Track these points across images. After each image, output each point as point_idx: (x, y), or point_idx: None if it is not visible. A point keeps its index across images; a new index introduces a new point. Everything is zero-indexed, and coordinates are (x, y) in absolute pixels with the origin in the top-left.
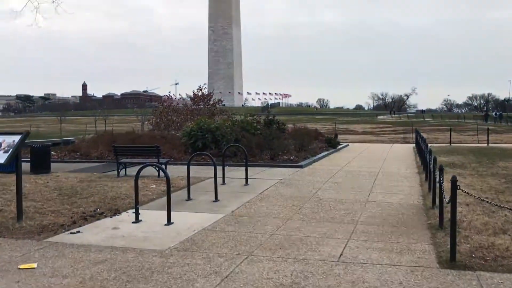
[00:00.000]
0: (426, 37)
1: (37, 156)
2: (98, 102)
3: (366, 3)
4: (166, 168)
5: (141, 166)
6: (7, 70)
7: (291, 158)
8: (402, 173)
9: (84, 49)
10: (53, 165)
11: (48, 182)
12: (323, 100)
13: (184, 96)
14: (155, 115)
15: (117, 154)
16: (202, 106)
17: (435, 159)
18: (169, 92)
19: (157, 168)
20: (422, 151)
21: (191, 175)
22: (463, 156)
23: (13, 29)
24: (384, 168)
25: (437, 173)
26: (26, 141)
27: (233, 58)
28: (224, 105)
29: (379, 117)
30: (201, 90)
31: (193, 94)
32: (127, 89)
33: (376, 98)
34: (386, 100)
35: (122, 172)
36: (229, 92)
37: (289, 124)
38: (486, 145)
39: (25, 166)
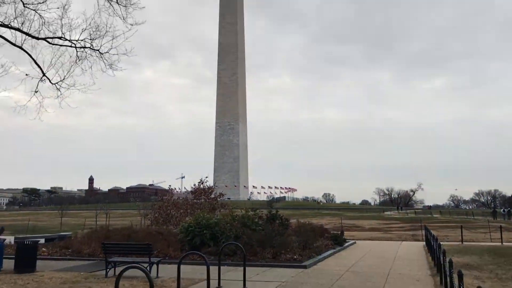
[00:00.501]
0: (428, 134)
1: (23, 253)
2: (103, 195)
3: (366, 103)
4: (158, 268)
5: (125, 267)
6: (15, 163)
7: (295, 257)
8: (414, 274)
9: (92, 143)
10: (41, 262)
11: (28, 283)
12: (329, 194)
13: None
14: (154, 210)
15: (107, 252)
16: (203, 200)
17: (450, 262)
18: (169, 185)
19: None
20: (433, 250)
21: (185, 276)
22: (478, 257)
23: (23, 122)
24: (395, 268)
25: (455, 278)
26: (17, 236)
27: (239, 152)
28: (229, 198)
29: (386, 212)
30: (202, 183)
31: (194, 187)
32: (133, 182)
33: (382, 194)
34: (392, 195)
35: (111, 271)
36: (235, 186)
37: (293, 219)
38: (500, 243)
39: (9, 263)
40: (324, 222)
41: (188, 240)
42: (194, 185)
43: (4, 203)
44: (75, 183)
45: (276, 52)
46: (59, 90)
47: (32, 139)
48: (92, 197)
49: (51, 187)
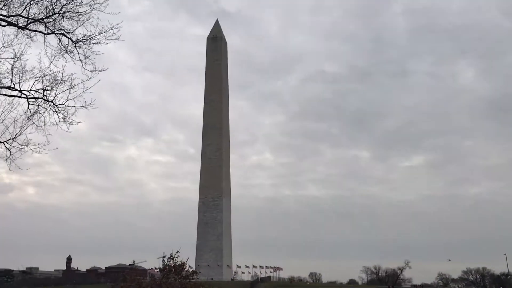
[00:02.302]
0: (411, 210)
1: None
2: (81, 276)
3: (348, 180)
4: None
5: None
6: None
7: None
8: None
9: (72, 221)
10: None
11: None
12: (316, 273)
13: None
14: None
15: None
16: (172, 279)
17: None
18: (131, 263)
19: None
20: None
21: None
22: None
23: (3, 200)
24: None
25: None
26: None
27: (222, 229)
28: (212, 278)
29: None
30: (172, 258)
31: (163, 265)
32: (114, 262)
33: (369, 272)
34: (380, 274)
35: None
36: (218, 265)
37: None
38: None
39: None
40: None
41: None
42: (163, 261)
43: None
44: (52, 263)
45: (257, 129)
46: (9, 150)
47: (11, 217)
48: (69, 278)
49: (26, 268)
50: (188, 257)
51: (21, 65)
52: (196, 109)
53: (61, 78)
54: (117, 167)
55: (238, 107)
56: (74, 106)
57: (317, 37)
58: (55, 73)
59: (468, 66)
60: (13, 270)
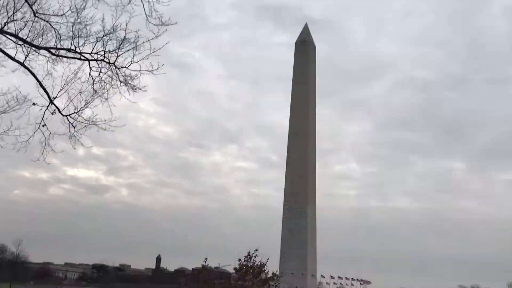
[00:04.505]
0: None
1: None
2: (170, 275)
3: (440, 193)
4: None
5: None
6: (89, 240)
7: None
8: None
9: (161, 222)
10: None
11: None
12: None
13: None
14: None
15: None
16: (250, 282)
17: None
18: (217, 266)
19: None
20: None
21: None
22: None
23: (100, 200)
24: None
25: None
26: None
27: (307, 237)
28: (296, 287)
29: None
30: (250, 257)
31: (239, 265)
32: (199, 264)
33: None
34: None
35: None
36: (302, 274)
37: None
38: None
39: None
40: None
41: None
42: (239, 260)
43: (74, 278)
44: (143, 262)
45: (343, 138)
46: (73, 126)
47: (107, 217)
48: (158, 276)
49: (120, 264)
50: (269, 257)
51: (80, 23)
52: (280, 117)
53: (125, 37)
54: (203, 172)
55: (323, 114)
56: (139, 70)
57: (407, 43)
58: (117, 30)
59: None
60: (107, 266)
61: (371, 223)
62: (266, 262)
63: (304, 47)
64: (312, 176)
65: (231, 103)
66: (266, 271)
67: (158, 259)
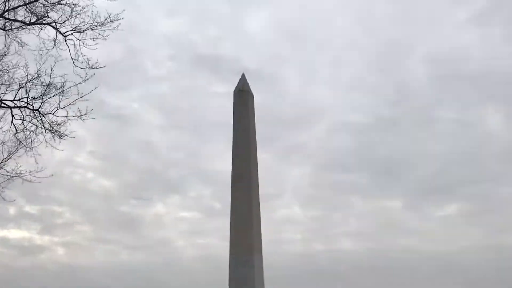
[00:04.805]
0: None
1: None
2: None
3: (380, 232)
4: None
5: None
6: None
7: None
8: None
9: (101, 281)
10: None
11: None
12: None
13: None
14: None
15: None
16: None
17: None
18: None
19: None
20: None
21: None
22: None
23: (33, 261)
24: None
25: None
26: None
27: (254, 287)
28: None
29: None
30: None
31: None
32: None
33: None
34: None
35: None
36: None
37: None
38: None
39: None
40: None
41: None
42: None
43: None
44: None
45: (284, 182)
46: None
47: (43, 278)
48: None
49: None
50: None
51: (2, 70)
52: (222, 164)
53: (50, 82)
54: (145, 225)
55: (264, 160)
56: (66, 116)
57: (339, 90)
58: (41, 75)
59: (495, 112)
60: None
61: (317, 267)
62: None
63: (242, 96)
64: (257, 223)
65: (173, 152)
66: None
67: None
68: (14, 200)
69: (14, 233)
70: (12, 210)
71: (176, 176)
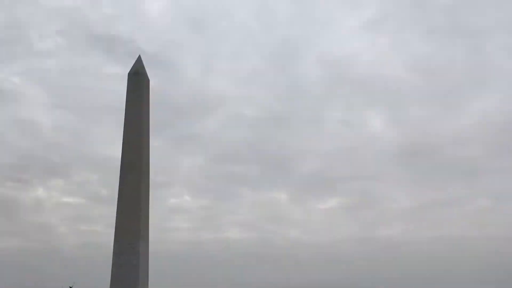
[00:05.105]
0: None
1: None
2: None
3: (268, 223)
4: None
5: None
6: None
7: None
8: None
9: None
10: None
11: None
12: None
13: None
14: None
15: None
16: None
17: None
18: None
19: None
20: None
21: None
22: None
23: None
24: None
25: None
26: None
27: (138, 274)
28: None
29: None
30: None
31: None
32: None
33: None
34: None
35: None
36: None
37: None
38: None
39: None
40: None
41: None
42: None
43: None
44: None
45: (176, 171)
46: None
47: None
48: None
49: None
50: None
51: None
52: (112, 150)
53: None
54: (22, 209)
55: (157, 147)
56: None
57: (236, 82)
58: None
59: (377, 115)
60: None
61: (205, 255)
62: None
63: (137, 79)
64: (145, 211)
65: (57, 134)
66: None
67: None
68: None
69: None
70: None
71: (60, 159)
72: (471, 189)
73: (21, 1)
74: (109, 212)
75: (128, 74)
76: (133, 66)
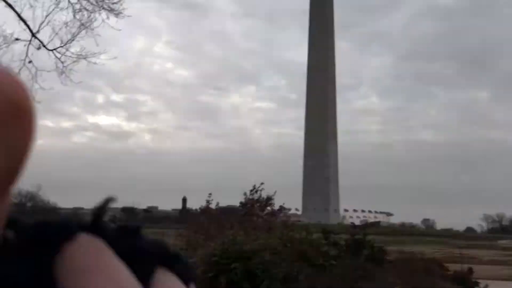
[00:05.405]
0: None
1: None
2: (195, 215)
3: (464, 124)
4: None
5: None
6: (116, 184)
7: None
8: None
9: (185, 166)
10: None
11: None
12: (429, 220)
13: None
14: (191, 228)
15: None
16: (255, 216)
17: None
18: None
19: None
20: None
21: None
22: None
23: (123, 147)
24: None
25: None
26: None
27: (329, 174)
28: (320, 222)
29: (500, 241)
30: (256, 191)
31: (244, 199)
32: (224, 203)
33: (490, 220)
34: (503, 223)
35: None
36: (325, 209)
37: (391, 246)
38: None
39: None
40: (428, 251)
41: (211, 277)
42: (245, 194)
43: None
44: (170, 203)
45: (362, 72)
46: (61, 61)
47: (132, 162)
48: (184, 216)
49: (147, 207)
50: (276, 191)
51: None
52: (298, 53)
53: None
54: (222, 114)
55: (342, 49)
56: None
57: None
58: None
59: None
60: (136, 209)
61: (394, 157)
62: (273, 196)
63: None
64: (333, 113)
65: (247, 42)
66: (272, 205)
67: (184, 200)
68: (81, 82)
69: (104, 120)
70: (100, 99)
71: (251, 67)
72: None
73: None
74: (298, 115)
75: None
76: None
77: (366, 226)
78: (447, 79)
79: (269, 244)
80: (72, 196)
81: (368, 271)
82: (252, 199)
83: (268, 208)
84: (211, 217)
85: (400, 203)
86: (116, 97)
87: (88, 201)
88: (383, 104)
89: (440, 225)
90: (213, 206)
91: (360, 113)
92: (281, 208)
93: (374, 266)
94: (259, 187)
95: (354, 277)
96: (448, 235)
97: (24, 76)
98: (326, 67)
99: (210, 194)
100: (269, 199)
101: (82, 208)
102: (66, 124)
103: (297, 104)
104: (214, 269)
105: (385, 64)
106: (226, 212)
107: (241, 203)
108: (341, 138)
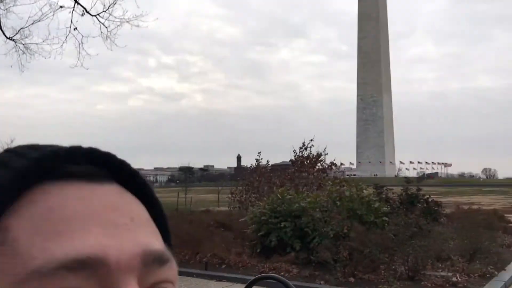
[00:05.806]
0: None
1: None
2: (247, 173)
3: None
4: None
5: None
6: (173, 145)
7: (452, 277)
8: None
9: (238, 124)
10: None
11: None
12: (490, 170)
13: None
14: (243, 186)
15: None
16: (306, 173)
17: None
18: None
19: None
20: None
21: None
22: None
23: (178, 108)
24: None
25: None
26: None
27: (383, 126)
28: (376, 175)
29: None
30: (305, 148)
31: (294, 156)
32: (277, 160)
33: None
34: None
35: None
36: (380, 162)
37: (447, 198)
38: None
39: None
40: (487, 201)
41: (260, 235)
42: (294, 151)
43: (164, 181)
44: (225, 162)
45: (415, 18)
46: (104, 26)
47: (185, 122)
48: (240, 174)
49: (204, 165)
50: (326, 146)
51: None
52: (347, 2)
53: None
54: (272, 71)
55: None
56: None
57: None
58: None
59: None
60: (193, 168)
61: (451, 105)
62: (324, 152)
63: None
64: (386, 63)
65: None
66: (323, 161)
67: (239, 158)
68: (126, 46)
69: (157, 82)
70: (151, 62)
71: (299, 20)
72: None
73: None
74: (350, 68)
75: None
76: None
77: (423, 178)
78: (508, 19)
79: (318, 202)
80: (135, 158)
81: (422, 227)
82: (302, 156)
83: (319, 164)
84: (262, 175)
85: (459, 153)
86: (166, 59)
87: (147, 162)
88: (439, 50)
89: (501, 174)
90: (264, 163)
91: (414, 62)
92: (332, 164)
93: (428, 221)
94: (308, 143)
95: (408, 234)
96: (511, 184)
97: (71, 44)
98: (377, 14)
99: (259, 153)
100: (319, 155)
101: (141, 169)
102: (121, 88)
103: (348, 55)
104: (265, 227)
105: (440, 7)
106: (278, 169)
107: (291, 160)
108: (395, 88)
